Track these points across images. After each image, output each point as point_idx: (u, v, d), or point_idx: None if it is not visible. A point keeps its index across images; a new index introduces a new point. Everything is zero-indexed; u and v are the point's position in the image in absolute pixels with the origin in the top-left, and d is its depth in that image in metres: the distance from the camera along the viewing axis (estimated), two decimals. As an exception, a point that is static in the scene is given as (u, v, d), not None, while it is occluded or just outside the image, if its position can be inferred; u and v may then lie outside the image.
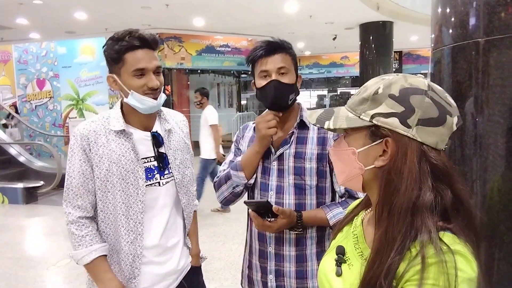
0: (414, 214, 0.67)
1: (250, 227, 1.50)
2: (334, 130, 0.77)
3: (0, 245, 4.52)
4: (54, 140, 11.17)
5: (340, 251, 0.81)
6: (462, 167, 1.10)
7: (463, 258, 0.62)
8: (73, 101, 11.28)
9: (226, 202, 1.52)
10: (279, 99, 1.34)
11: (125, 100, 1.34)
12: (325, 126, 0.77)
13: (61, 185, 6.78)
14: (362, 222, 0.84)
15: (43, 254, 4.33)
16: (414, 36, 12.06)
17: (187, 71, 11.60)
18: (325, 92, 18.39)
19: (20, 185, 6.50)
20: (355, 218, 0.87)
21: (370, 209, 0.84)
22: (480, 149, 1.05)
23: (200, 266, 1.64)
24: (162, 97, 1.37)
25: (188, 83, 12.51)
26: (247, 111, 15.67)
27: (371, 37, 9.55)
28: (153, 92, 1.32)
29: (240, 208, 1.71)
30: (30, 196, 6.46)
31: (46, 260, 4.09)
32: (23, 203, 6.33)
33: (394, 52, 11.56)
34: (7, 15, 7.95)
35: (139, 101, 1.32)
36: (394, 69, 11.82)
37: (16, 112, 10.87)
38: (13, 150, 7.74)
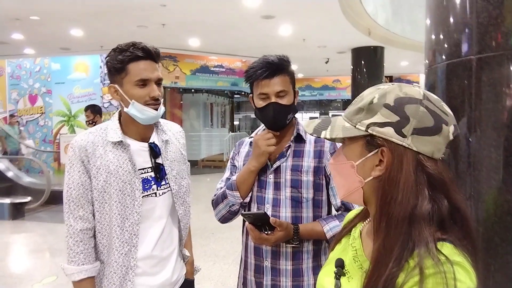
0: (411, 224, 0.66)
1: (245, 242, 1.49)
2: (334, 140, 0.78)
3: (-17, 262, 4.39)
4: (44, 156, 11.04)
5: (339, 264, 0.79)
6: (456, 181, 1.13)
7: (462, 269, 0.62)
8: (65, 117, 11.22)
9: (224, 220, 1.51)
10: (278, 120, 1.37)
11: (125, 110, 1.35)
12: (322, 136, 0.76)
13: (49, 201, 6.67)
14: (360, 234, 0.83)
15: (28, 271, 4.20)
16: (404, 61, 12.36)
17: (180, 90, 11.69)
18: (316, 114, 18.61)
19: (7, 200, 6.35)
20: (353, 229, 0.87)
21: (367, 220, 0.84)
22: (474, 163, 1.07)
23: (194, 280, 1.62)
24: (162, 109, 1.39)
25: (181, 102, 12.58)
26: (239, 132, 15.75)
27: (362, 62, 9.75)
28: (154, 102, 1.34)
29: (231, 228, 1.70)
30: (17, 212, 6.32)
31: (31, 277, 3.97)
32: (10, 219, 6.19)
33: (385, 76, 11.81)
34: (3, 30, 7.98)
35: (140, 111, 1.33)
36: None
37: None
38: (1, 165, 7.62)
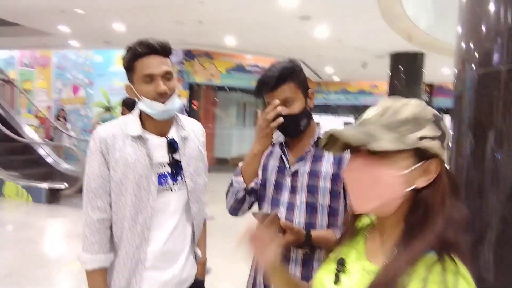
0: (434, 232, 0.68)
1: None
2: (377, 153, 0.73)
3: (17, 242, 4.64)
4: (83, 145, 11.50)
5: (341, 263, 0.81)
6: (479, 197, 1.07)
7: (465, 281, 0.64)
8: (104, 108, 11.65)
9: (233, 211, 1.50)
10: (288, 130, 1.35)
11: (138, 106, 1.38)
12: (374, 147, 0.69)
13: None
14: (365, 240, 0.83)
15: (58, 255, 4.40)
16: (446, 69, 11.88)
17: (215, 87, 11.81)
18: (350, 119, 18.27)
19: (45, 185, 6.67)
20: (357, 235, 0.86)
21: (370, 229, 0.84)
22: (501, 177, 1.01)
23: (204, 281, 1.62)
24: (175, 102, 1.38)
25: (216, 99, 12.73)
26: (271, 131, 15.72)
27: (401, 67, 9.45)
28: (161, 97, 1.34)
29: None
30: (53, 197, 6.63)
31: (59, 261, 4.15)
32: (46, 203, 6.50)
33: (426, 84, 11.37)
34: (49, 21, 8.37)
35: (149, 107, 1.35)
36: (424, 102, 11.76)
37: (64, 118, 11.31)
38: (42, 151, 8.01)
